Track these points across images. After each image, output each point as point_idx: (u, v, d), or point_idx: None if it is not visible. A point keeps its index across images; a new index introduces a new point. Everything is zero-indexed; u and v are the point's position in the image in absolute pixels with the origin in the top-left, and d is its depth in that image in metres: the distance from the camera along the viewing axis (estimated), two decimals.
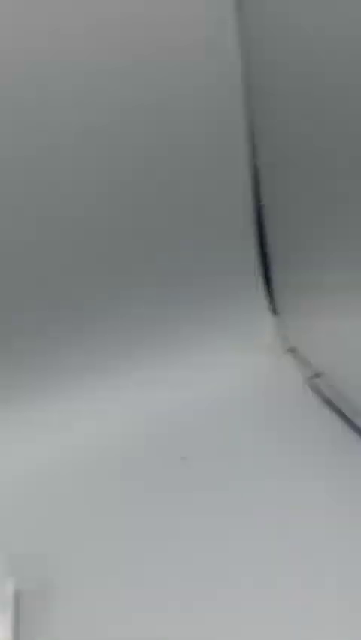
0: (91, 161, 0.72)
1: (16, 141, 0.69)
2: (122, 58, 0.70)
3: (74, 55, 0.69)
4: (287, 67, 0.73)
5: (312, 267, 0.80)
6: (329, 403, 0.72)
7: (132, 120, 0.72)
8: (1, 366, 0.72)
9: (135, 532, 0.59)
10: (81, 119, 0.71)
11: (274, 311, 0.83)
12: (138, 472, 0.66)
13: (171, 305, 0.79)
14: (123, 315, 0.77)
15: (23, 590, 0.54)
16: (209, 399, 0.74)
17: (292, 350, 0.81)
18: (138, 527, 0.59)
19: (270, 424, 0.71)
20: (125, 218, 0.76)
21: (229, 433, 0.70)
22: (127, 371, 0.75)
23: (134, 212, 0.76)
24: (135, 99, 0.72)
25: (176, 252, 0.79)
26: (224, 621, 0.49)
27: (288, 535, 0.56)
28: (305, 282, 0.81)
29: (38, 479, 0.66)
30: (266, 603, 0.50)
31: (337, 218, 0.76)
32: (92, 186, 0.73)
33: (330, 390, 0.73)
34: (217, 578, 0.53)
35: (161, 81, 0.72)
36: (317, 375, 0.76)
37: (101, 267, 0.76)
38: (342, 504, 0.59)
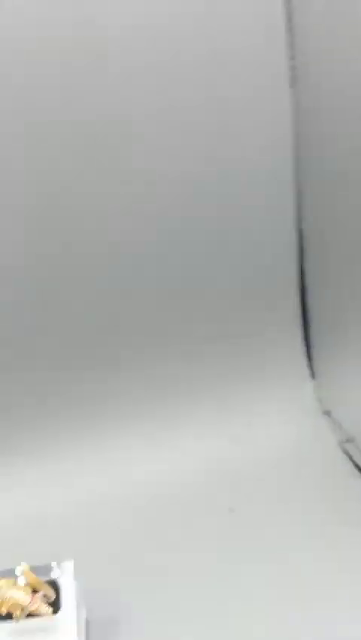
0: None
1: None
2: None
3: None
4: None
5: (351, 332, 0.88)
6: (359, 469, 0.81)
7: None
8: None
9: (194, 570, 0.68)
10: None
11: (313, 375, 0.92)
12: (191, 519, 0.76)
13: (216, 369, 0.88)
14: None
15: (94, 619, 0.63)
16: (249, 457, 0.83)
17: (327, 413, 0.89)
18: (196, 566, 0.69)
19: (304, 484, 0.79)
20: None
21: (268, 490, 0.79)
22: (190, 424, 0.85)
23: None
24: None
25: (224, 320, 0.88)
26: None
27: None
28: (344, 346, 0.90)
29: (112, 519, 0.77)
30: None
31: None
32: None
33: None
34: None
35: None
36: (349, 440, 0.84)
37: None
38: None
